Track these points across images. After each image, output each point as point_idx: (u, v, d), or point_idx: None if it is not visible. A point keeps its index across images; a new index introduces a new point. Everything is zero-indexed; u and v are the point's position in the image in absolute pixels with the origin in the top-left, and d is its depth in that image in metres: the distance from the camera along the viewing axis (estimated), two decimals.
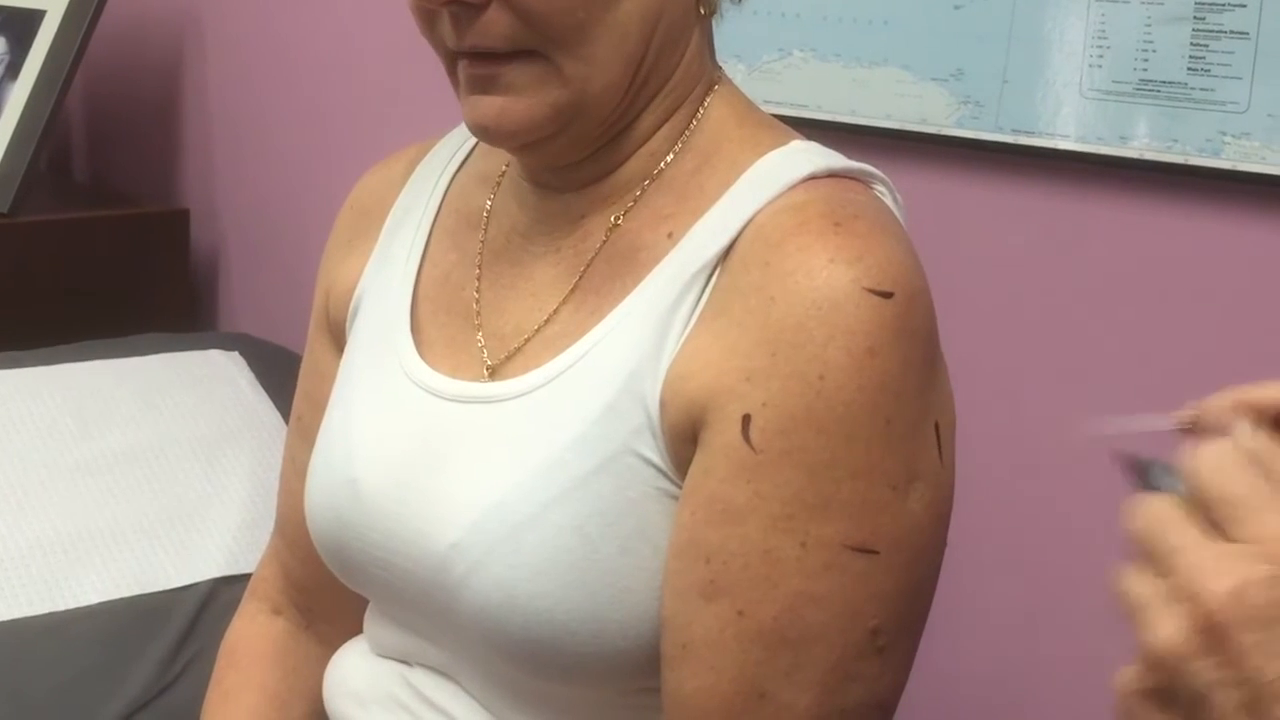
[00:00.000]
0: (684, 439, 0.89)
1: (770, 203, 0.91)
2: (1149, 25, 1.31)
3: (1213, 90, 1.28)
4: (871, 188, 0.96)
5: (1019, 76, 1.40)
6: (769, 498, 0.85)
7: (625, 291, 0.94)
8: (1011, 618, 1.49)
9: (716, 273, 0.91)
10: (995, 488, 1.45)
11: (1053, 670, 1.46)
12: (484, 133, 0.95)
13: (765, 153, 0.95)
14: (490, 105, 0.93)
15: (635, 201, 0.97)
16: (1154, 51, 1.31)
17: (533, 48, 0.91)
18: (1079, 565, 1.44)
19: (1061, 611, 1.45)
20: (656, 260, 0.94)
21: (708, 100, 0.99)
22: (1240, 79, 1.26)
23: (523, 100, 0.92)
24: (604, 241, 0.97)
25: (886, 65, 1.49)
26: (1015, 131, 1.41)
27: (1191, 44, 1.29)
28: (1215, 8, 1.27)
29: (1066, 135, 1.37)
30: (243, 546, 1.69)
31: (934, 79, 1.46)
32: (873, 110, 1.51)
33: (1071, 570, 1.44)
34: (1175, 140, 1.30)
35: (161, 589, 1.64)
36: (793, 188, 0.92)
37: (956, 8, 1.43)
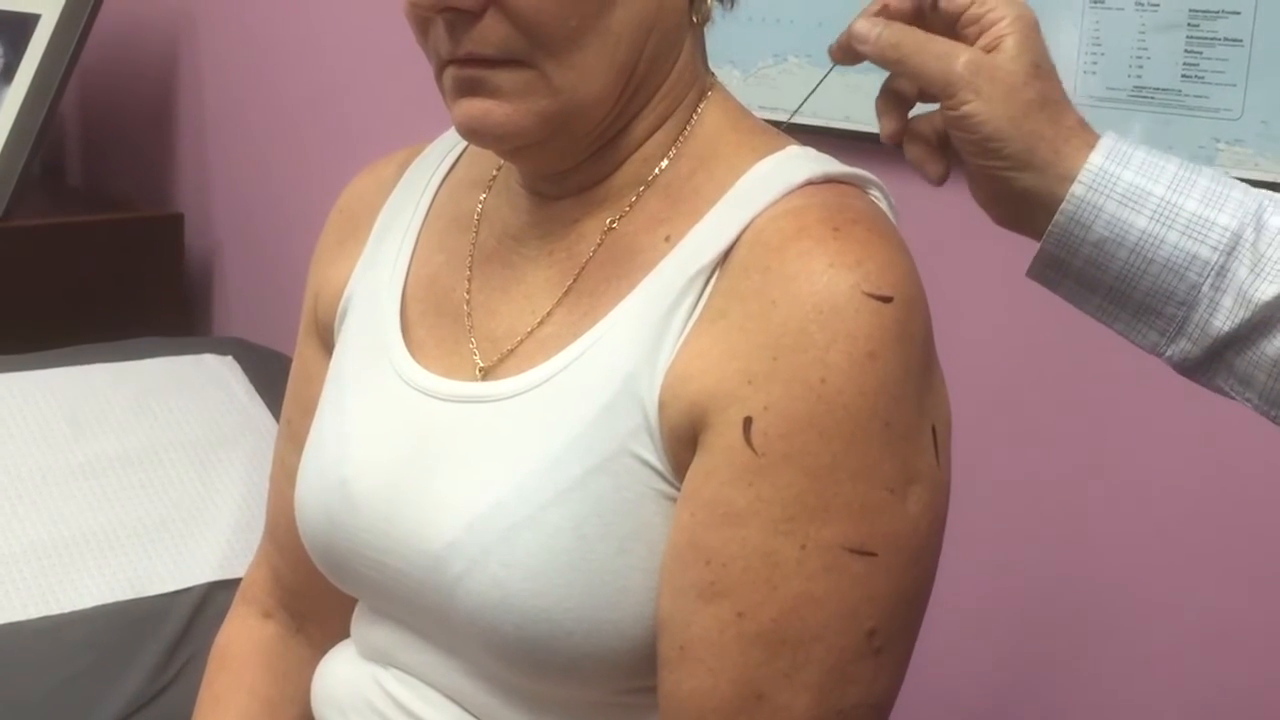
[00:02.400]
0: (683, 441, 0.89)
1: (768, 208, 0.92)
2: (1143, 32, 1.31)
3: (1206, 97, 1.28)
4: (867, 193, 0.96)
5: None
6: (770, 500, 0.86)
7: (621, 294, 0.94)
8: (1005, 620, 1.49)
9: (715, 276, 0.91)
10: (990, 490, 1.45)
11: (1046, 672, 1.46)
12: (471, 134, 0.95)
13: (761, 158, 0.96)
14: (476, 107, 0.93)
15: (631, 206, 0.98)
16: (1148, 58, 1.31)
17: (523, 57, 0.91)
18: (1073, 568, 1.44)
19: (1055, 614, 1.46)
20: (653, 263, 0.94)
21: (701, 106, 1.00)
22: (1234, 86, 1.27)
23: (507, 105, 0.92)
24: (599, 245, 0.98)
25: (882, 72, 1.49)
26: None
27: (1185, 51, 1.29)
28: (1209, 15, 1.27)
29: None
30: (237, 551, 1.69)
31: None
32: (868, 116, 1.50)
33: (1065, 573, 1.44)
34: (1169, 147, 1.30)
35: (156, 593, 1.65)
36: (790, 193, 0.92)
37: None
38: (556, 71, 0.91)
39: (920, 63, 0.92)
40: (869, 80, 1.50)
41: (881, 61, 0.95)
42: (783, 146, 0.97)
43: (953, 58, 0.91)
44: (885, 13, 0.96)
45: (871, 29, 0.95)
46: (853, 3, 1.49)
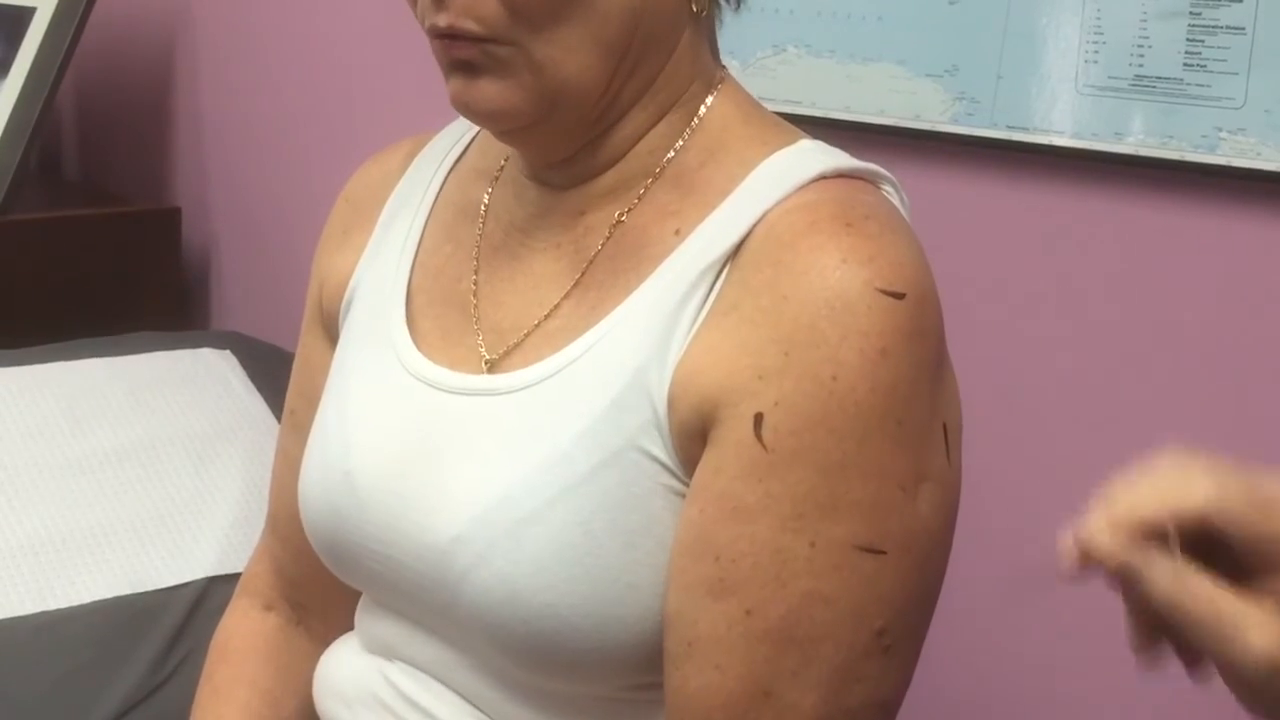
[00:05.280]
0: (693, 436, 0.89)
1: (781, 202, 0.91)
2: (1145, 20, 1.31)
3: (1208, 86, 1.28)
4: (879, 188, 0.96)
5: (1014, 72, 1.39)
6: (780, 497, 0.85)
7: (630, 287, 0.94)
8: (1014, 619, 1.49)
9: (726, 270, 0.91)
10: (999, 489, 1.44)
11: (1055, 671, 1.46)
12: (464, 110, 0.95)
13: (773, 151, 0.95)
14: (466, 85, 0.93)
15: (639, 199, 0.97)
16: (1150, 47, 1.31)
17: (507, 34, 0.91)
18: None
19: (1065, 612, 1.45)
20: (663, 256, 0.93)
21: (709, 99, 0.99)
22: (1236, 74, 1.26)
23: (495, 83, 0.92)
24: (607, 238, 0.97)
25: (881, 61, 1.49)
26: (1010, 128, 1.40)
27: (1187, 39, 1.29)
28: (1211, 3, 1.27)
29: (1062, 131, 1.37)
30: (235, 545, 1.69)
31: (928, 75, 1.45)
32: (867, 107, 1.50)
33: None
34: (1171, 136, 1.30)
35: (153, 588, 1.64)
36: (803, 187, 0.92)
37: (951, 3, 1.43)
38: (538, 48, 0.91)
39: (1204, 636, 0.68)
40: (869, 71, 1.50)
41: (1156, 604, 0.69)
42: (794, 140, 0.97)
43: (1252, 655, 0.66)
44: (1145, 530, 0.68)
45: (1159, 577, 0.68)
46: None
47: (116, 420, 1.78)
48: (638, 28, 0.94)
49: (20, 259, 2.11)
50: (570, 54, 0.92)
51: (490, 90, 0.92)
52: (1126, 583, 0.68)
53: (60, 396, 1.78)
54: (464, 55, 0.92)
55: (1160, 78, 1.30)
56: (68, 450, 1.73)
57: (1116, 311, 1.39)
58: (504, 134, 0.97)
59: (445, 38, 0.92)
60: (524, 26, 0.90)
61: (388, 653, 1.04)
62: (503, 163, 1.06)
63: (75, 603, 1.60)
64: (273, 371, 1.84)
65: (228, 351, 1.95)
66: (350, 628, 1.11)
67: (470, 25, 0.91)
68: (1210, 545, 0.68)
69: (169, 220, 2.32)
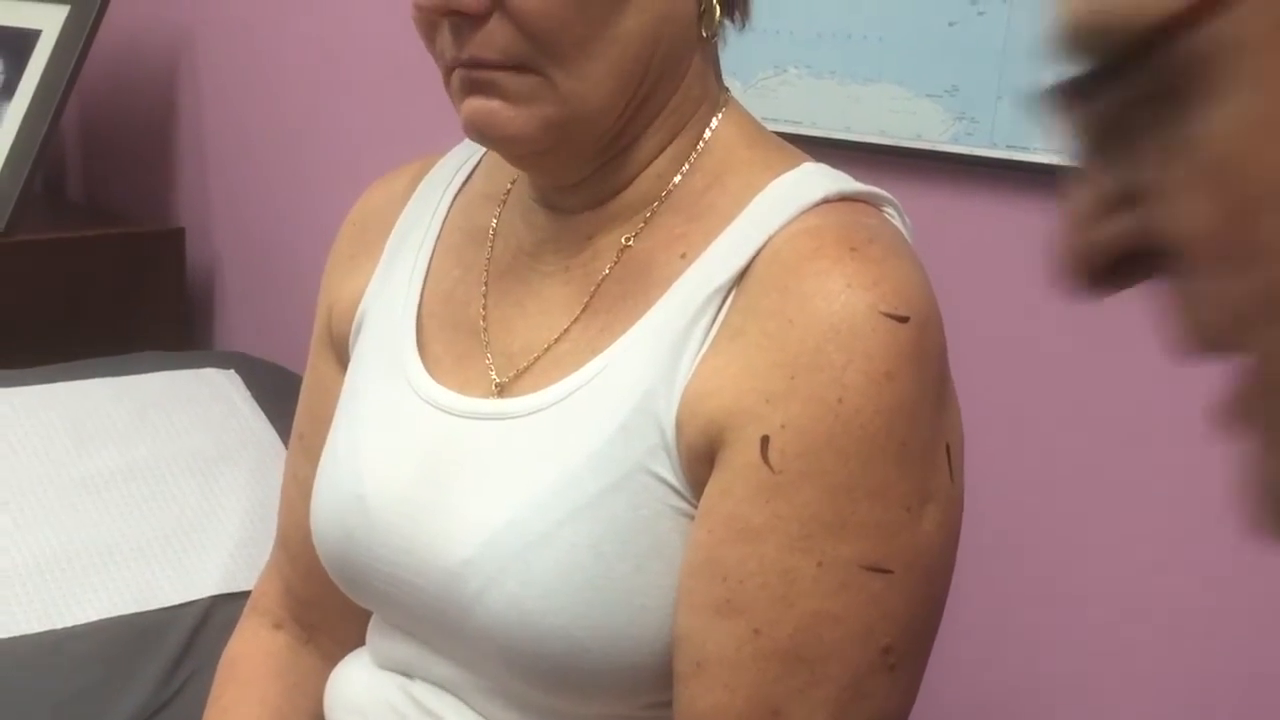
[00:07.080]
0: (701, 459, 0.90)
1: (785, 226, 0.92)
2: None
3: None
4: (881, 210, 0.97)
5: (1013, 93, 1.40)
6: (787, 518, 0.86)
7: (638, 311, 0.94)
8: (1016, 635, 1.49)
9: (732, 294, 0.91)
10: (997, 506, 1.45)
11: (1057, 687, 1.46)
12: (477, 134, 0.95)
13: (777, 175, 0.96)
14: (483, 107, 0.93)
15: (646, 222, 0.98)
16: None
17: (529, 62, 0.91)
18: (1083, 582, 1.44)
19: (1066, 628, 1.45)
20: (670, 280, 0.94)
21: (714, 122, 0.99)
22: None
23: (513, 109, 0.92)
24: (615, 262, 0.98)
25: (881, 81, 1.50)
26: (1010, 147, 1.41)
27: None
28: None
29: (1061, 151, 1.38)
30: (240, 564, 1.69)
31: (928, 95, 1.46)
32: (867, 127, 1.51)
33: (1076, 587, 1.44)
34: None
35: (159, 607, 1.64)
36: (807, 211, 0.92)
37: (951, 24, 1.44)
38: (564, 79, 0.91)
39: None
40: (869, 91, 1.51)
41: None
42: (798, 163, 0.97)
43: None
44: None
45: None
46: (851, 11, 1.50)
47: (121, 440, 1.78)
48: (654, 55, 0.94)
49: (25, 279, 2.11)
50: (593, 86, 0.92)
51: (505, 114, 0.92)
52: None
53: (65, 416, 1.78)
54: (486, 77, 0.92)
55: None
56: (73, 470, 1.73)
57: (1117, 329, 1.39)
58: (515, 158, 0.98)
59: (466, 65, 0.92)
60: (547, 57, 0.90)
61: (401, 671, 1.04)
62: (509, 186, 1.06)
63: (81, 621, 1.60)
64: (277, 391, 1.85)
65: (232, 371, 1.95)
66: (360, 646, 1.11)
67: (493, 55, 0.91)
68: None
69: (173, 241, 2.32)
